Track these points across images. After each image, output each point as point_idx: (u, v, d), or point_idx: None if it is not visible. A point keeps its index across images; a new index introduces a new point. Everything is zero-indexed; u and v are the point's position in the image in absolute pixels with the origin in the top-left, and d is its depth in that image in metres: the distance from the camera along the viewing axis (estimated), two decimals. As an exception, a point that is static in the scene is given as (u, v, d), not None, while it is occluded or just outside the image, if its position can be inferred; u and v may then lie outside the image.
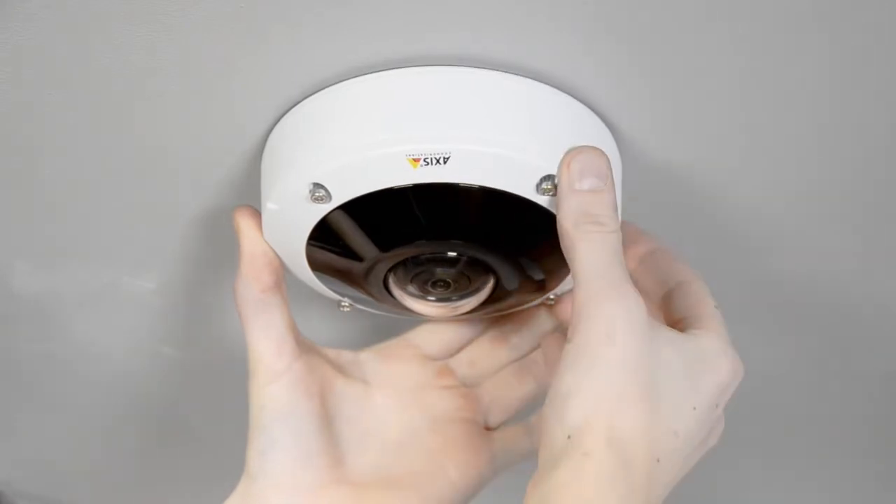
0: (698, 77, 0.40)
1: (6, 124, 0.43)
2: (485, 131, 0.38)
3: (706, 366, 0.40)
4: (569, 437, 0.36)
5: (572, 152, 0.39)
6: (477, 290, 0.46)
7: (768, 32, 0.38)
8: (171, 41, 0.38)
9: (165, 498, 0.85)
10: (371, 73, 0.40)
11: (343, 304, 0.49)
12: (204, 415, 0.71)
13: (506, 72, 0.40)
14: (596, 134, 0.42)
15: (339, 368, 0.48)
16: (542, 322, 0.51)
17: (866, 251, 0.52)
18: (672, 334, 0.40)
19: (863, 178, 0.47)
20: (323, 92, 0.40)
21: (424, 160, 0.38)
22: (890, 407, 0.67)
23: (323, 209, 0.40)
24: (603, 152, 0.39)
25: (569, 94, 0.41)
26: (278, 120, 0.42)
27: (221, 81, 0.41)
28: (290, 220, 0.42)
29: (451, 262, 0.44)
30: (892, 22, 0.37)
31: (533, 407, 0.52)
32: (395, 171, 0.38)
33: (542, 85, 0.40)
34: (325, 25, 0.38)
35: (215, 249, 0.52)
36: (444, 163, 0.38)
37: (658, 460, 0.37)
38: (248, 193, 0.46)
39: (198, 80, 0.41)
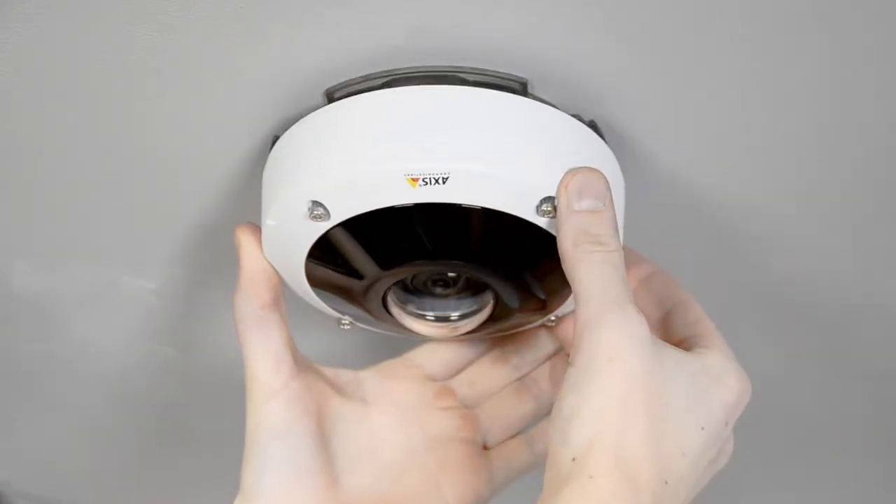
0: (698, 77, 0.40)
1: (6, 124, 0.43)
2: (484, 152, 0.38)
3: (713, 384, 0.39)
4: (573, 459, 0.36)
5: (570, 173, 0.39)
6: (477, 310, 0.45)
7: (768, 32, 0.38)
8: (171, 41, 0.38)
9: (165, 498, 0.85)
10: (371, 89, 0.40)
11: (343, 321, 0.49)
12: (204, 415, 0.71)
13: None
14: (596, 153, 0.41)
15: (337, 388, 0.48)
16: (544, 343, 0.51)
17: (866, 251, 0.52)
18: (677, 353, 0.39)
19: (863, 179, 0.47)
20: (323, 109, 0.40)
21: (423, 180, 0.38)
22: (890, 407, 0.67)
23: (322, 227, 0.40)
24: (601, 173, 0.39)
25: (567, 90, 0.41)
26: (280, 135, 0.42)
27: (221, 81, 0.41)
28: (289, 236, 0.42)
29: (451, 282, 0.44)
30: (892, 22, 0.37)
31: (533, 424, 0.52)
32: (394, 190, 0.38)
33: (543, 105, 0.40)
34: (325, 25, 0.38)
35: (215, 249, 0.52)
36: (444, 183, 0.38)
37: (666, 482, 0.36)
38: (248, 194, 0.46)
39: (198, 80, 0.41)
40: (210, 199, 0.48)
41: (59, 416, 0.70)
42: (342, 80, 0.41)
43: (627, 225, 0.44)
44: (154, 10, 0.37)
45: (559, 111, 0.40)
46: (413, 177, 0.38)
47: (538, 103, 0.40)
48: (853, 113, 0.42)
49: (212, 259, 0.53)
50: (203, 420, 0.72)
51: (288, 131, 0.42)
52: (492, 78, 0.41)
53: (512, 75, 0.41)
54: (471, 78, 0.40)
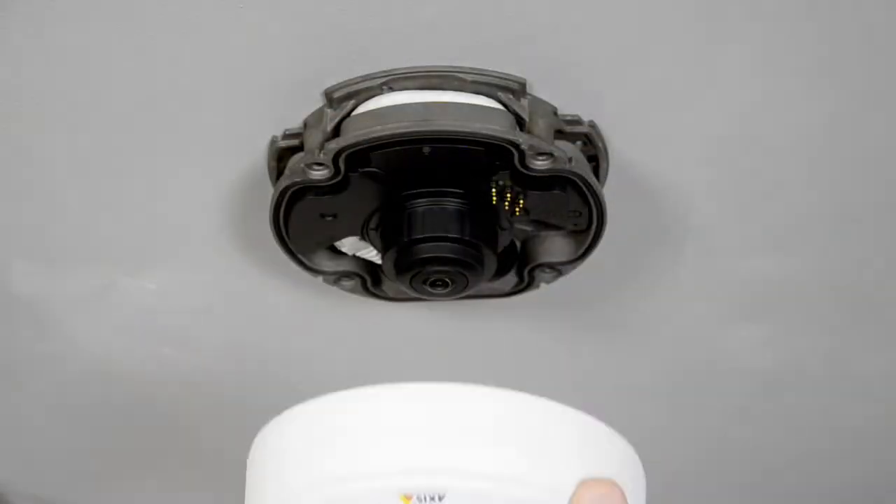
0: (698, 78, 0.40)
1: (6, 124, 0.43)
2: (485, 466, 0.35)
3: None
4: None
5: (583, 488, 0.35)
6: None
7: (769, 33, 0.38)
8: (170, 41, 0.38)
9: (166, 499, 0.85)
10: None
11: None
12: (204, 416, 0.71)
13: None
14: (612, 452, 0.38)
15: None
16: None
17: (866, 251, 0.52)
18: None
19: (862, 181, 0.47)
20: (311, 402, 0.37)
21: (418, 498, 0.35)
22: (890, 407, 0.67)
23: None
24: (616, 484, 0.36)
25: (566, 90, 0.41)
26: (263, 428, 0.39)
27: (221, 81, 0.41)
28: None
29: None
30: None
31: None
32: None
33: (549, 401, 0.37)
34: (325, 25, 0.38)
35: (216, 249, 0.52)
36: (440, 500, 0.35)
37: None
38: (249, 193, 0.47)
39: (198, 80, 0.41)
40: (210, 199, 0.48)
41: (59, 416, 0.70)
42: (341, 79, 0.41)
43: (623, 229, 0.44)
44: (153, 10, 0.37)
45: (566, 406, 0.37)
46: (407, 495, 0.35)
47: (544, 399, 0.36)
48: (853, 121, 0.42)
49: (212, 259, 0.53)
50: (203, 421, 0.72)
51: (269, 429, 0.38)
52: (491, 78, 0.41)
53: (511, 76, 0.41)
54: (469, 78, 0.40)
